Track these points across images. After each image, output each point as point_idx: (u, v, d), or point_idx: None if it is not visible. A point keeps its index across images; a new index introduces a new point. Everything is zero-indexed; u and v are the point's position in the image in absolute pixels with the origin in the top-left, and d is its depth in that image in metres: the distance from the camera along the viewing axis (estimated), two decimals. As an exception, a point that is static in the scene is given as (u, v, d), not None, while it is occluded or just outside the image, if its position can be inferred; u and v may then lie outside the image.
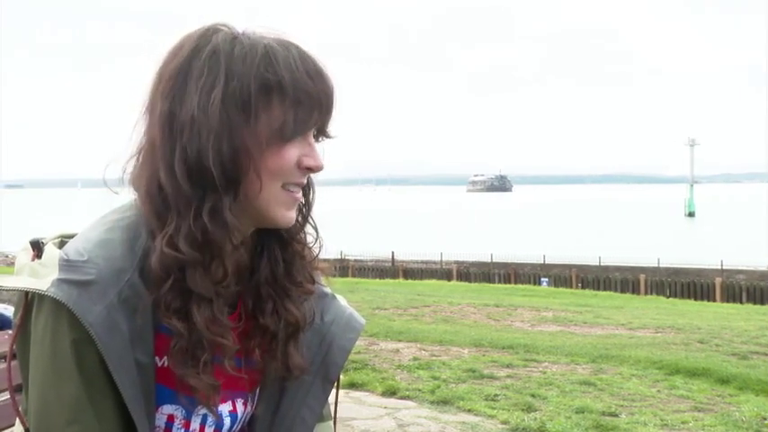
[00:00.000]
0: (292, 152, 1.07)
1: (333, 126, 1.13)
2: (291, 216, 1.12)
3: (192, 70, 1.05)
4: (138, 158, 1.09)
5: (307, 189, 1.17)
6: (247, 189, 1.06)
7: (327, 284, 1.29)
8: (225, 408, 1.18)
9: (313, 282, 1.23)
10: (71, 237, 1.09)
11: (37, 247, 1.08)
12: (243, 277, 1.18)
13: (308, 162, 1.09)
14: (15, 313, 1.08)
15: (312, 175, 1.17)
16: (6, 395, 1.98)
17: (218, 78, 1.04)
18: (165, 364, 1.08)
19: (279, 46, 1.07)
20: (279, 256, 1.18)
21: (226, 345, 1.07)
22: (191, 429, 1.14)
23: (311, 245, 1.22)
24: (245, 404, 1.21)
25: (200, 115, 1.02)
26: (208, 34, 1.07)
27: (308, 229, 1.22)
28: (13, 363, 1.11)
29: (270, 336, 1.18)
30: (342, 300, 1.32)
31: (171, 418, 1.12)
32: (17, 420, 1.13)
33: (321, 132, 1.13)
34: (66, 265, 1.01)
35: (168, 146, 1.04)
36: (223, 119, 1.02)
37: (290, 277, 1.19)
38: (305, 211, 1.20)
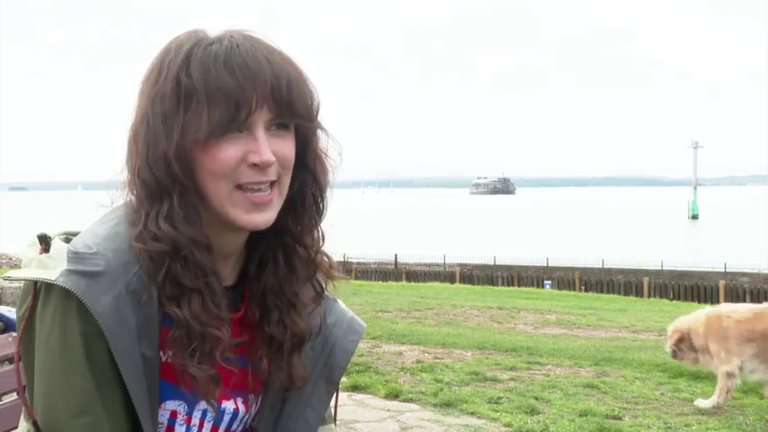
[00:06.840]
0: (230, 151, 1.05)
1: (295, 117, 1.08)
2: (255, 219, 1.09)
3: (144, 82, 1.10)
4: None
5: (314, 189, 1.16)
6: (199, 192, 1.07)
7: (334, 290, 1.29)
8: (228, 405, 1.18)
9: (322, 291, 1.23)
10: (75, 234, 1.11)
11: (45, 242, 1.09)
12: (244, 277, 1.19)
13: (252, 158, 1.06)
14: (21, 305, 1.08)
15: (329, 177, 1.17)
16: (11, 397, 1.98)
17: (148, 88, 1.07)
18: (169, 359, 1.08)
19: (214, 44, 1.07)
20: (282, 262, 1.18)
21: (219, 336, 1.07)
22: (192, 424, 1.15)
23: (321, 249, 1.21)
24: (246, 404, 1.22)
25: (137, 126, 1.07)
26: (171, 43, 1.10)
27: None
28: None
29: (276, 345, 1.18)
30: (341, 304, 1.33)
31: (174, 414, 1.13)
32: (20, 421, 1.14)
33: (286, 124, 1.09)
34: (75, 256, 1.02)
35: (128, 155, 1.10)
36: (150, 128, 1.05)
37: (295, 287, 1.18)
38: (314, 214, 1.18)
